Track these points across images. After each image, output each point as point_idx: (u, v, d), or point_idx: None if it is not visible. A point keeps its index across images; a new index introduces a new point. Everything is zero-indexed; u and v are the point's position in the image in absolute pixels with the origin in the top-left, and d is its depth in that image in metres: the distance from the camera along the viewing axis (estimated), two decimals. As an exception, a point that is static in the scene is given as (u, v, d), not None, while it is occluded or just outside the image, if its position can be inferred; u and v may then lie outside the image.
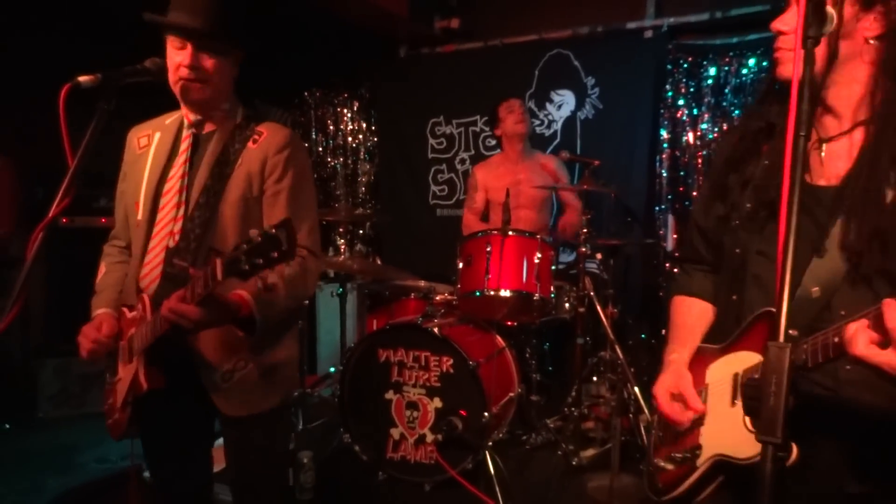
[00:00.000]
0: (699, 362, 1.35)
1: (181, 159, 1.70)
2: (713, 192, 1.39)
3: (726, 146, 1.40)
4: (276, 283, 1.55)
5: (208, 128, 1.73)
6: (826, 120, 1.23)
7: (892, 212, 1.11)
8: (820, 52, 1.13)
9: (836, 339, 0.99)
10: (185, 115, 1.73)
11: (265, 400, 1.71)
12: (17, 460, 3.41)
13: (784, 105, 1.17)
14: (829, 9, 1.08)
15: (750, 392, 1.02)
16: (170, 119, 1.79)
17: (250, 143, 1.69)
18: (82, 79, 1.49)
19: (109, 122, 1.54)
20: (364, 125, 5.52)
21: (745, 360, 1.22)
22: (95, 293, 1.80)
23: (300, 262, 1.64)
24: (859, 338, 0.94)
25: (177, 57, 1.61)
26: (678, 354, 1.39)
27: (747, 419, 1.14)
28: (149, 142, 1.77)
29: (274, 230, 1.29)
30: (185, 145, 1.71)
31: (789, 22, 1.21)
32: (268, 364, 1.70)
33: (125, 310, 1.72)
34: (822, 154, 1.23)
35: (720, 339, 1.34)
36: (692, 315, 1.44)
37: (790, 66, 1.16)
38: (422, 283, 3.54)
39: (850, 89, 1.19)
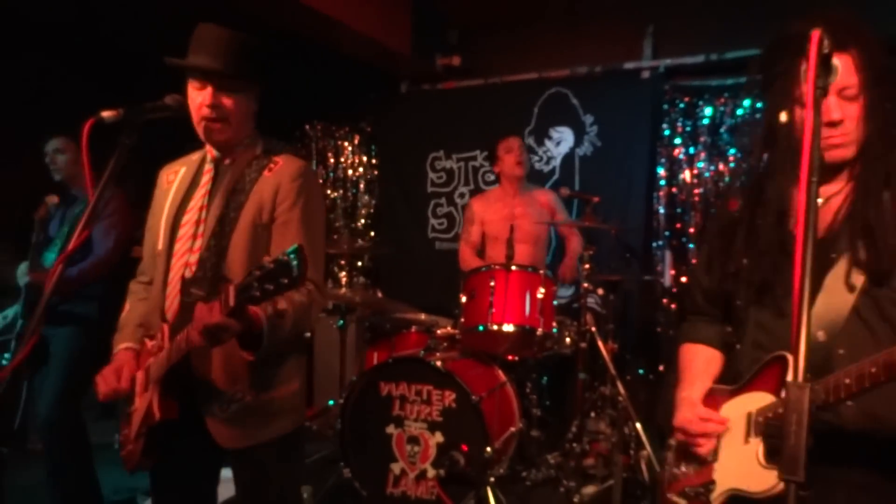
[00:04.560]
0: (712, 403, 1.42)
1: (201, 191, 1.73)
2: (714, 251, 1.49)
3: (724, 209, 1.52)
4: (286, 309, 1.56)
5: (228, 160, 1.77)
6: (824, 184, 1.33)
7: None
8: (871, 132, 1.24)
9: (848, 381, 1.06)
10: (209, 150, 1.78)
11: (261, 432, 1.68)
12: (7, 493, 3.34)
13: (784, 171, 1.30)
14: (835, 60, 1.14)
15: (771, 431, 1.05)
16: (196, 155, 1.83)
17: (266, 172, 1.71)
18: (105, 114, 1.53)
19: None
20: (364, 158, 5.59)
21: (757, 400, 1.29)
22: (117, 330, 1.82)
23: (307, 293, 1.64)
24: None
25: (198, 98, 1.66)
26: (687, 393, 1.46)
27: (761, 454, 1.22)
28: (175, 178, 1.81)
29: (286, 257, 1.29)
30: (206, 178, 1.74)
31: (843, 112, 1.25)
32: (266, 397, 1.68)
33: (147, 341, 1.73)
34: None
35: (729, 382, 1.42)
36: (699, 359, 1.52)
37: (850, 150, 1.26)
38: (422, 317, 3.55)
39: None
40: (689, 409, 1.42)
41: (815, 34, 1.06)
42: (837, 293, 1.23)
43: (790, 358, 1.20)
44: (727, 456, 1.33)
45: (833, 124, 1.25)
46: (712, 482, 1.33)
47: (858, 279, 1.23)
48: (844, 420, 1.18)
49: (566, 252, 3.96)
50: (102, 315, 2.82)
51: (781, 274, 1.30)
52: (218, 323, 1.41)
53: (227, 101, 1.66)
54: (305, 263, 1.31)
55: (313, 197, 1.76)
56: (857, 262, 1.23)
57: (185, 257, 1.68)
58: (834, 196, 1.32)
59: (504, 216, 3.75)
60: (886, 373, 1.04)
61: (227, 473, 1.86)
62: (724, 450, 1.34)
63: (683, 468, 1.43)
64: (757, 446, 1.24)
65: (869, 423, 1.19)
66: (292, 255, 1.29)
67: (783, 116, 1.35)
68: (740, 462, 1.27)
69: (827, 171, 1.31)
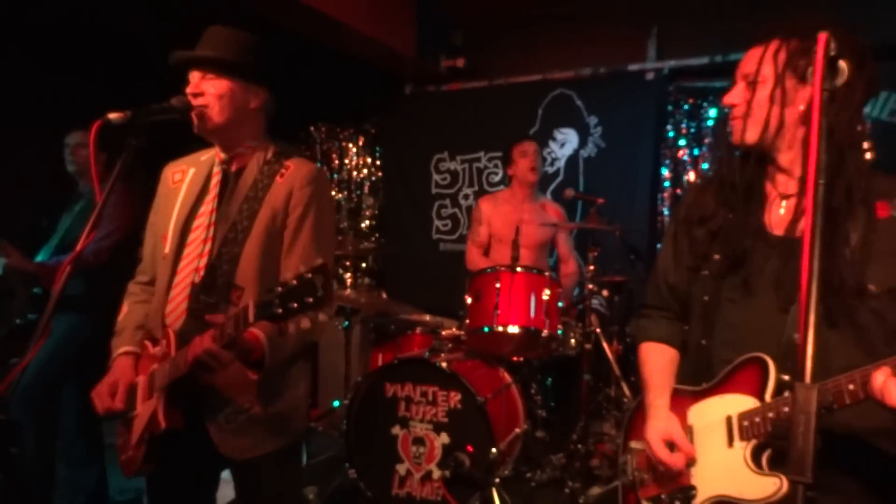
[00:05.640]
0: (676, 404, 1.41)
1: (210, 196, 1.72)
2: (681, 245, 1.48)
3: (691, 203, 1.51)
4: (287, 324, 1.51)
5: (237, 165, 1.76)
6: (780, 178, 1.36)
7: (847, 261, 1.22)
8: (771, 120, 1.30)
9: (852, 387, 1.06)
10: (217, 152, 1.77)
11: (267, 443, 1.67)
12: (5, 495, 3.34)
13: (747, 164, 1.35)
14: (842, 63, 1.14)
15: (778, 433, 1.05)
16: (205, 156, 1.82)
17: (277, 178, 1.70)
18: (112, 116, 1.55)
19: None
20: (369, 160, 5.60)
21: (736, 403, 1.27)
22: (116, 333, 1.80)
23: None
24: (892, 388, 1.00)
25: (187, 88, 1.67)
26: (661, 400, 1.44)
27: (749, 459, 1.21)
28: (182, 177, 1.79)
29: (310, 275, 1.29)
30: (214, 181, 1.73)
31: (739, 96, 1.35)
32: (274, 407, 1.67)
33: (148, 344, 1.72)
34: (782, 210, 1.35)
35: (690, 381, 1.40)
36: (665, 360, 1.50)
37: (748, 133, 1.33)
38: (427, 318, 3.55)
39: (795, 151, 1.32)
40: (663, 422, 1.39)
41: (822, 36, 1.07)
42: None
43: (768, 359, 1.23)
44: (708, 461, 1.30)
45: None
46: (692, 487, 1.31)
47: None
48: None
49: (560, 279, 3.92)
50: (89, 311, 2.82)
51: (751, 270, 1.31)
52: (206, 350, 1.42)
53: (207, 87, 1.65)
54: (330, 282, 1.31)
55: (325, 203, 1.75)
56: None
57: (195, 262, 1.66)
58: (794, 196, 1.33)
59: (511, 220, 3.73)
60: None
61: (227, 475, 1.86)
62: (704, 454, 1.31)
63: (654, 472, 1.41)
64: (744, 451, 1.22)
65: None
66: (318, 275, 1.29)
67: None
68: (725, 468, 1.25)
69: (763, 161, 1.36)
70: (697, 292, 1.42)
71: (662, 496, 1.36)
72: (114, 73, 4.13)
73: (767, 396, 1.22)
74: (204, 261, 1.66)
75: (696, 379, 1.38)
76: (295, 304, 1.30)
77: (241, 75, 1.69)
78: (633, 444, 1.47)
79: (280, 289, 1.31)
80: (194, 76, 1.67)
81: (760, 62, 1.31)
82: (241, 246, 1.65)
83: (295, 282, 1.30)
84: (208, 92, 1.65)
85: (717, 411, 1.29)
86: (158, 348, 1.67)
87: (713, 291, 1.38)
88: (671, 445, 1.35)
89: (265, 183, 1.70)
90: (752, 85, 1.32)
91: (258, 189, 1.69)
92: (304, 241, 1.67)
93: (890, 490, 1.22)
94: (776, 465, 1.18)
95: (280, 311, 1.31)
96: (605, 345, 3.29)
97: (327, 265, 1.32)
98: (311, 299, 1.29)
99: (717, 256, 1.37)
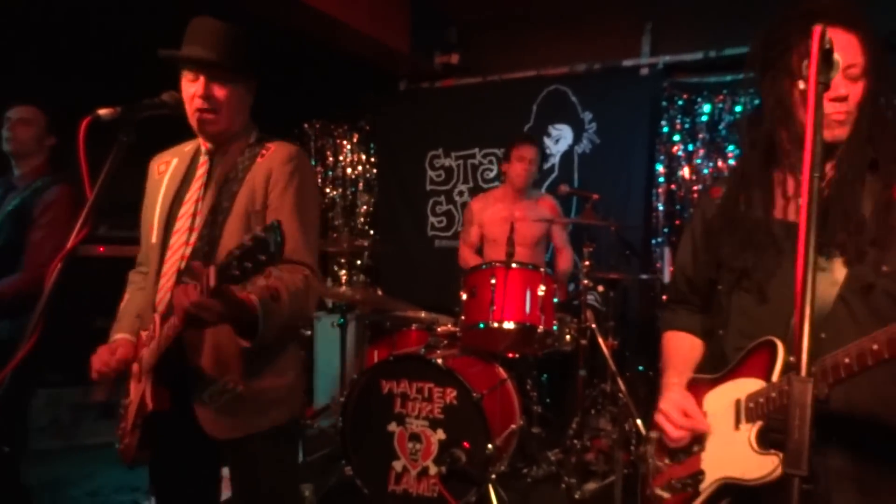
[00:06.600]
0: (694, 392, 1.42)
1: (197, 184, 1.71)
2: (698, 239, 1.51)
3: (707, 198, 1.53)
4: (281, 292, 1.53)
5: (223, 151, 1.76)
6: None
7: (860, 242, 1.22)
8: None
9: (847, 360, 1.06)
10: (203, 143, 1.76)
11: (250, 424, 1.66)
12: (5, 495, 3.33)
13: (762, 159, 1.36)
14: (836, 56, 1.14)
15: (775, 425, 1.05)
16: (189, 146, 1.82)
17: (258, 159, 1.70)
18: (102, 112, 1.52)
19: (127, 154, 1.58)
20: (363, 157, 5.59)
21: (745, 386, 1.29)
22: (116, 320, 1.80)
23: (303, 279, 1.62)
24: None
25: (191, 89, 1.65)
26: (676, 378, 1.47)
27: (753, 440, 1.22)
28: (166, 168, 1.79)
29: (263, 233, 1.27)
30: (201, 171, 1.73)
31: (849, 88, 1.25)
32: (258, 387, 1.65)
33: (142, 334, 1.72)
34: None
35: (709, 370, 1.42)
36: (683, 346, 1.54)
37: (847, 129, 1.26)
38: (423, 314, 3.55)
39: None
40: (677, 394, 1.41)
41: (817, 29, 1.07)
42: (823, 280, 1.23)
43: (778, 342, 1.24)
44: (716, 445, 1.32)
45: (839, 99, 1.25)
46: (700, 472, 1.32)
47: (843, 267, 1.24)
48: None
49: (555, 270, 3.90)
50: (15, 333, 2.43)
51: (762, 259, 1.32)
52: (194, 302, 1.38)
53: (219, 92, 1.65)
54: (282, 239, 1.29)
55: (306, 181, 1.72)
56: (839, 250, 1.24)
57: (182, 250, 1.67)
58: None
59: (504, 217, 3.73)
60: (889, 349, 1.03)
61: (226, 473, 1.85)
62: (713, 439, 1.33)
63: (667, 460, 1.43)
64: (749, 432, 1.23)
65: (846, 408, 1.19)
66: (269, 232, 1.27)
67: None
68: (731, 450, 1.26)
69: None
70: (713, 285, 1.45)
71: (673, 482, 1.38)
72: (106, 69, 4.10)
73: (774, 378, 1.22)
74: (191, 249, 1.66)
75: (715, 368, 1.41)
76: (250, 264, 1.28)
77: (248, 78, 1.71)
78: (653, 434, 1.48)
79: (237, 251, 1.29)
80: (198, 77, 1.64)
81: (864, 53, 1.25)
82: (221, 228, 1.65)
83: (250, 242, 1.28)
84: (218, 97, 1.65)
85: (728, 396, 1.31)
86: (147, 332, 1.67)
87: (726, 282, 1.40)
88: (685, 416, 1.37)
89: (245, 165, 1.70)
90: (859, 78, 1.26)
91: (238, 171, 1.69)
92: (286, 218, 1.60)
93: (880, 465, 1.22)
94: (778, 446, 1.18)
95: (237, 272, 1.29)
96: (600, 340, 3.29)
97: (281, 223, 1.30)
98: (263, 257, 1.27)
99: (727, 248, 1.39)
